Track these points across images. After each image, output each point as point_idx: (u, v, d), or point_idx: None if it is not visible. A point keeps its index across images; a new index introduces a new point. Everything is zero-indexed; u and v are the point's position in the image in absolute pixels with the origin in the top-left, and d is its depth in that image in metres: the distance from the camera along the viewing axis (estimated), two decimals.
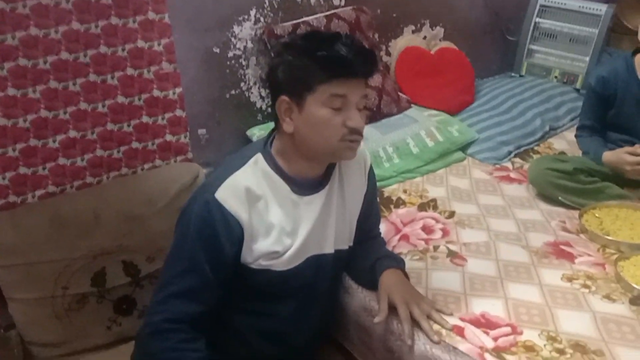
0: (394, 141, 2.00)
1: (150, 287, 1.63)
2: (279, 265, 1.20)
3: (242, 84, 1.97)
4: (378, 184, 1.82)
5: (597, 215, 1.70)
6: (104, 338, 1.58)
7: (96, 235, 1.55)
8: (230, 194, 1.13)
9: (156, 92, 1.69)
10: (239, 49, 1.92)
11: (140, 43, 1.61)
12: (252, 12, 1.91)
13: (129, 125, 1.68)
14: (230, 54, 1.91)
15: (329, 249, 1.27)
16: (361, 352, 1.43)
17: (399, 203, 1.78)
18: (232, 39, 1.89)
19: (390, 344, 1.28)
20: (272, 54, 1.17)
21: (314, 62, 1.09)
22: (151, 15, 1.60)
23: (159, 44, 1.64)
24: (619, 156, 1.78)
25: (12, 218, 1.48)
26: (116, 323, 1.60)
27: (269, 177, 1.18)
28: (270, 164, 1.18)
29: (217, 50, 1.88)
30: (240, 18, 1.89)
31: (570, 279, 1.41)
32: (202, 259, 1.13)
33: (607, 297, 1.35)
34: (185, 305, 1.15)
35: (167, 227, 1.59)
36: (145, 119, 1.70)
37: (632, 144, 1.84)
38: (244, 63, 1.95)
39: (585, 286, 1.39)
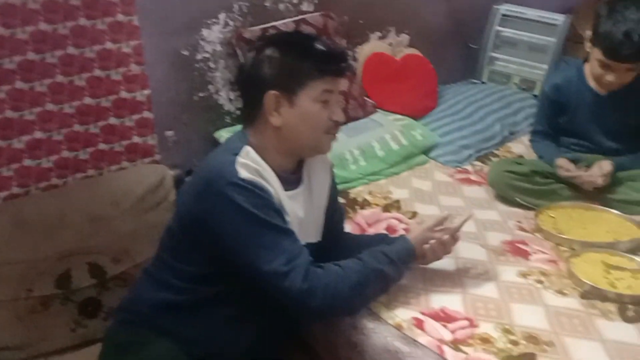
0: (359, 144, 2.03)
1: (116, 289, 1.61)
2: None
3: (210, 87, 1.98)
4: (344, 185, 1.89)
5: (551, 215, 1.76)
6: (68, 340, 1.56)
7: (61, 237, 1.53)
8: (248, 172, 1.14)
9: (124, 94, 1.69)
10: (207, 52, 1.93)
11: (109, 45, 1.61)
12: (221, 16, 1.93)
13: (95, 127, 1.68)
14: (199, 57, 1.92)
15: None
16: (324, 347, 1.46)
17: (364, 204, 1.82)
18: (201, 42, 1.91)
19: (354, 338, 1.32)
20: (253, 50, 1.21)
21: (308, 58, 1.16)
22: (120, 17, 1.61)
23: (127, 46, 1.65)
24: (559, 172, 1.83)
25: None
26: (81, 325, 1.58)
27: (263, 169, 1.19)
28: (260, 157, 1.20)
29: (186, 53, 1.89)
30: (209, 22, 1.91)
31: (525, 275, 1.47)
32: (273, 217, 1.14)
33: (560, 291, 1.41)
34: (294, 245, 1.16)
35: (132, 228, 1.63)
36: (112, 120, 1.70)
37: (584, 148, 1.92)
38: (212, 66, 1.96)
39: (539, 282, 1.45)
